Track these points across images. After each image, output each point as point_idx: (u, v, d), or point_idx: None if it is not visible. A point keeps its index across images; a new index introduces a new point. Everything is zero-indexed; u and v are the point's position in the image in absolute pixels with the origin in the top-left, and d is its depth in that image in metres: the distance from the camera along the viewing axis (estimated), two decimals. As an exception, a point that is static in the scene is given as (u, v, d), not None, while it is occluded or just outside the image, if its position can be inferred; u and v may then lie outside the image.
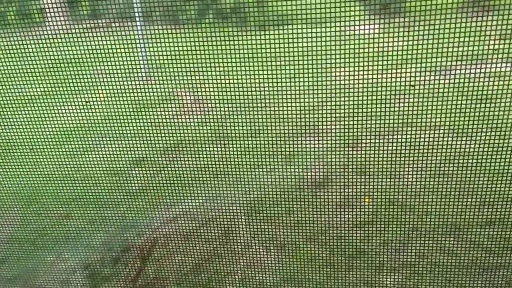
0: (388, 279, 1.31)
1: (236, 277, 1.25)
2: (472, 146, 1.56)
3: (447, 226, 1.46)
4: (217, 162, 1.67)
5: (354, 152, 1.73)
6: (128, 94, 1.95)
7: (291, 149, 1.71)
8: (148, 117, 1.96)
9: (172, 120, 1.96)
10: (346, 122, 1.72)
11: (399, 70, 1.63)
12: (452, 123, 1.55)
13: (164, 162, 1.68)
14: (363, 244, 1.41)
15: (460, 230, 1.41)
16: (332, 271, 1.36)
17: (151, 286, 1.26)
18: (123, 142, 1.87)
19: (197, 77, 1.74)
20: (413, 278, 1.30)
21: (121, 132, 1.88)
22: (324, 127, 1.70)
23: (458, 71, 1.65)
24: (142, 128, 1.92)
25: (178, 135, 1.87)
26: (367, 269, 1.34)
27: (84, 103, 2.02)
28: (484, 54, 1.59)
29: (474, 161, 1.57)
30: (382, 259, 1.36)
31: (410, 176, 1.60)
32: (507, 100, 1.49)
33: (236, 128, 1.80)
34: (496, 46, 1.59)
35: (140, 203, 1.44)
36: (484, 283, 1.27)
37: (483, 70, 1.61)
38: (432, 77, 1.66)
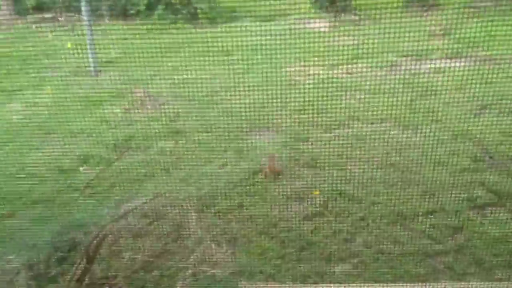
0: (337, 269, 1.34)
1: (187, 273, 1.25)
2: (417, 138, 1.62)
3: (393, 216, 1.52)
4: (168, 158, 1.65)
5: (305, 146, 1.76)
6: (76, 90, 1.89)
7: (243, 144, 1.72)
8: (97, 113, 1.91)
9: (122, 116, 1.92)
10: (297, 117, 1.74)
11: (348, 66, 1.66)
12: (398, 116, 1.61)
13: (114, 158, 1.65)
14: (313, 235, 1.44)
15: (405, 219, 1.48)
16: (283, 263, 1.38)
17: (99, 285, 1.24)
18: (71, 139, 1.82)
19: (148, 72, 1.71)
20: (360, 267, 1.35)
21: (69, 128, 1.82)
22: (275, 121, 1.72)
23: (404, 67, 1.70)
24: (91, 124, 1.87)
25: (128, 130, 1.83)
26: (317, 259, 1.38)
27: (30, 100, 1.94)
28: (428, 50, 1.64)
29: (419, 152, 1.64)
30: (331, 249, 1.39)
31: (358, 168, 1.65)
32: (449, 94, 1.55)
33: (187, 123, 1.78)
34: (439, 43, 1.64)
35: (88, 200, 1.41)
36: (427, 268, 1.33)
37: (427, 66, 1.67)
38: (379, 73, 1.70)
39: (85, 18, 1.97)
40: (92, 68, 2.02)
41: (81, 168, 1.71)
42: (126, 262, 1.32)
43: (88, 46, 2.05)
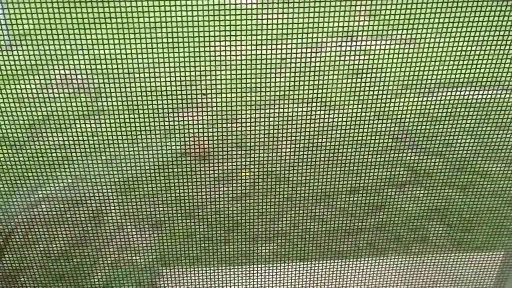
0: (264, 249, 1.35)
1: (107, 260, 1.21)
2: (341, 118, 1.64)
3: (318, 195, 1.55)
4: (87, 139, 1.57)
5: (232, 126, 1.74)
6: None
7: (168, 124, 1.66)
8: (10, 90, 1.76)
9: (38, 94, 1.79)
10: (224, 96, 1.71)
11: (275, 43, 1.64)
12: (325, 97, 1.62)
13: (28, 139, 1.54)
14: (240, 216, 1.44)
15: (329, 197, 1.51)
16: (210, 245, 1.37)
17: (11, 278, 1.17)
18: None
19: (67, 46, 1.59)
20: (286, 246, 1.36)
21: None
22: (202, 101, 1.67)
23: (330, 46, 1.70)
24: (4, 102, 1.73)
25: (44, 109, 1.72)
26: (244, 240, 1.38)
27: None
28: (354, 30, 1.64)
29: (342, 132, 1.66)
30: (258, 230, 1.40)
31: (285, 149, 1.65)
32: (374, 74, 1.57)
33: (109, 102, 1.70)
34: (366, 23, 1.65)
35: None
36: (349, 245, 1.37)
37: (353, 46, 1.68)
38: (306, 52, 1.69)
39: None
40: (4, 41, 1.85)
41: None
42: (41, 252, 1.25)
43: (-1, 16, 1.87)
